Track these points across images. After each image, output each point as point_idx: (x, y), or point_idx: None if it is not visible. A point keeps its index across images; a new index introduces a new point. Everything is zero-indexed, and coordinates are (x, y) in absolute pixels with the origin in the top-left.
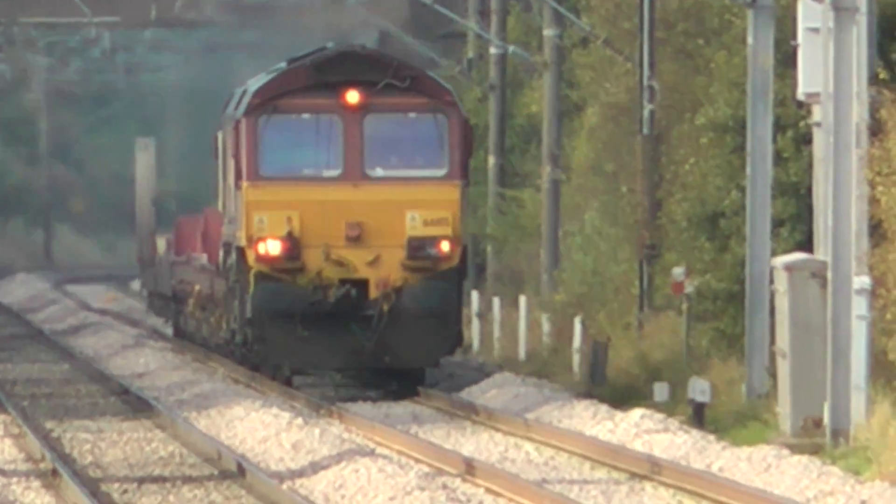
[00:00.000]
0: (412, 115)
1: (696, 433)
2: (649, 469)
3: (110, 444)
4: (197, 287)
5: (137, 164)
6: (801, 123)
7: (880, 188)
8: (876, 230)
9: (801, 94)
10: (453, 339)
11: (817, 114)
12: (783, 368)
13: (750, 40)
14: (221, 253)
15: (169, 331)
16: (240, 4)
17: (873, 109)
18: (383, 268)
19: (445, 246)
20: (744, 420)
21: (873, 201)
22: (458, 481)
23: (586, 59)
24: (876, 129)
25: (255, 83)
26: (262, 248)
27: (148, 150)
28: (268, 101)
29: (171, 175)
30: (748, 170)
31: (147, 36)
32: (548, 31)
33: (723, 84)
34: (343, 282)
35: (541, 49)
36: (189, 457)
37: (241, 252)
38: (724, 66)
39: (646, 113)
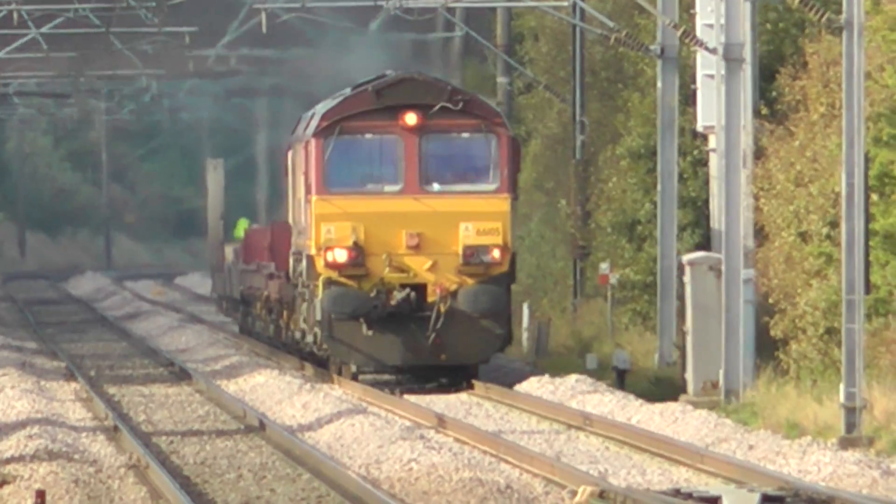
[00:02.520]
0: (465, 135)
1: (619, 394)
2: (583, 421)
3: (159, 405)
4: (265, 292)
5: (208, 183)
6: (696, 151)
7: (762, 200)
8: (759, 233)
9: (699, 126)
10: (504, 337)
11: (712, 142)
12: (687, 342)
13: (659, 84)
14: (291, 261)
15: (235, 328)
16: (259, 57)
17: (756, 138)
18: (440, 273)
19: (496, 253)
20: (657, 383)
21: (757, 210)
22: (432, 432)
23: (530, 100)
24: (759, 154)
25: (322, 107)
26: (330, 256)
27: (218, 170)
28: (334, 123)
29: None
30: (658, 187)
31: (186, 84)
32: (500, 79)
33: (637, 119)
34: (404, 286)
35: (494, 93)
36: (221, 415)
37: (310, 260)
38: (639, 105)
39: (578, 142)
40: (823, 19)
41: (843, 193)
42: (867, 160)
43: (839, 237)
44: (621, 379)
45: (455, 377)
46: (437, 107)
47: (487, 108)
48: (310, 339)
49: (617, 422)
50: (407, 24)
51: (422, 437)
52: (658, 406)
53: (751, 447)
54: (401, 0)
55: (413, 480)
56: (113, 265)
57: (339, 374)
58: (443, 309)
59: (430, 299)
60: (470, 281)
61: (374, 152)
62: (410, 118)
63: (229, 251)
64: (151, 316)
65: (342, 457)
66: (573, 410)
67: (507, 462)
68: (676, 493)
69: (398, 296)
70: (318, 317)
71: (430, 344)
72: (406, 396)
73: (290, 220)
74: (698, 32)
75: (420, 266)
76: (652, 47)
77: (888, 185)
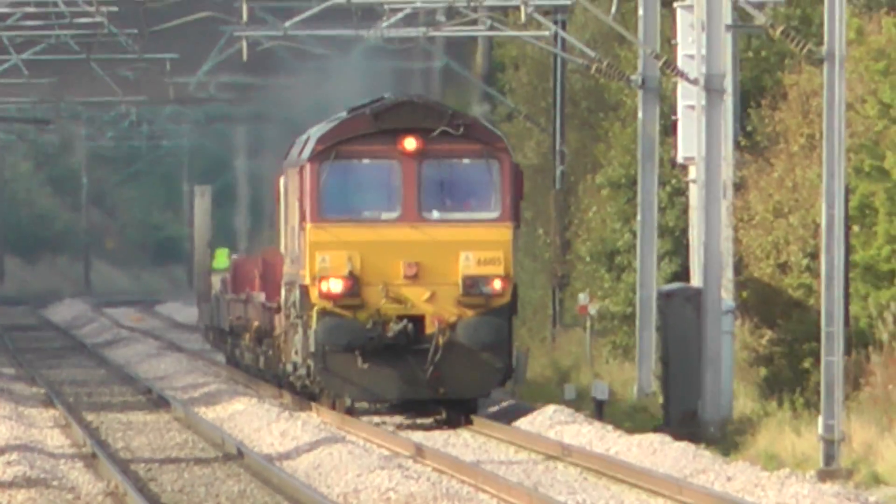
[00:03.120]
0: (466, 160)
1: (597, 424)
2: (561, 452)
3: (137, 432)
4: (255, 323)
5: (195, 209)
6: (674, 180)
7: (742, 231)
8: (739, 264)
9: (680, 157)
10: (504, 370)
11: (692, 173)
12: (666, 373)
13: (640, 115)
14: (283, 291)
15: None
16: (239, 84)
17: (737, 169)
18: (439, 304)
19: (497, 284)
20: (635, 414)
21: (736, 241)
22: (410, 462)
23: (510, 129)
24: (739, 185)
25: (317, 131)
26: (324, 286)
27: (205, 197)
28: (330, 147)
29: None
30: (638, 217)
31: (166, 111)
32: (476, 108)
33: (618, 149)
34: (401, 317)
35: None
36: (199, 442)
37: (304, 290)
38: (619, 135)
39: (557, 172)
40: (805, 50)
41: (824, 224)
42: (848, 191)
43: (819, 268)
44: (599, 409)
45: (453, 413)
46: (438, 131)
47: (489, 132)
48: (302, 371)
49: (595, 452)
50: (387, 52)
51: (400, 465)
52: (636, 437)
53: (729, 479)
54: (381, 30)
55: None
56: (92, 291)
57: (333, 408)
58: (441, 341)
59: (428, 331)
60: (470, 312)
61: (371, 178)
62: (409, 143)
63: (216, 280)
64: (130, 343)
65: (320, 485)
66: (551, 440)
67: (485, 492)
68: None
69: (395, 328)
70: (312, 349)
71: (428, 377)
72: (399, 432)
73: (283, 249)
74: (679, 63)
75: (418, 297)
76: (633, 77)
77: (868, 217)
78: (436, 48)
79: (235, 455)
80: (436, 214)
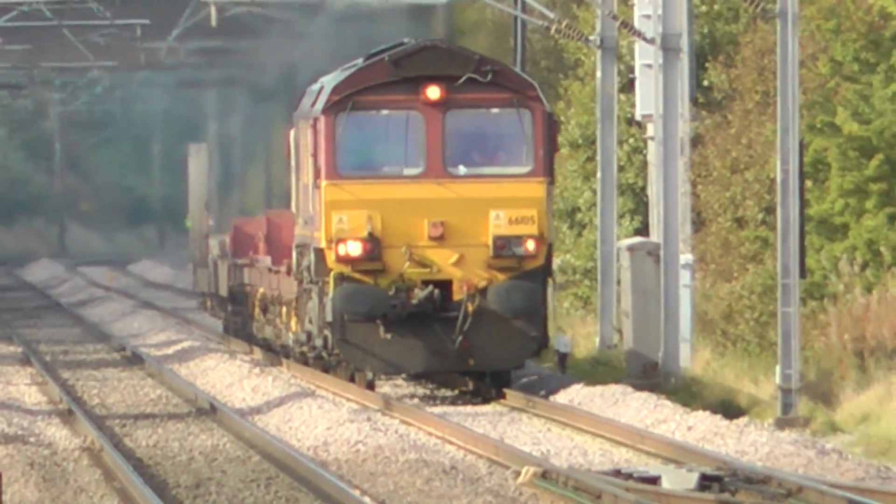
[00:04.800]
0: (495, 110)
1: (561, 376)
2: (525, 403)
3: (112, 389)
4: (260, 290)
5: (190, 169)
6: (632, 139)
7: (700, 187)
8: (697, 219)
9: (638, 115)
10: (539, 339)
11: (650, 130)
12: (627, 325)
13: (598, 74)
14: (295, 254)
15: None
16: (209, 49)
17: (694, 124)
18: (467, 268)
19: (531, 245)
20: (597, 365)
21: (694, 197)
22: (379, 415)
23: None
24: (696, 141)
25: (331, 80)
26: (342, 250)
27: (200, 155)
28: (346, 98)
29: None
30: (598, 174)
31: (138, 76)
32: None
33: (577, 108)
34: (426, 283)
35: None
36: (172, 398)
37: (319, 253)
38: (578, 94)
39: None
40: (758, 9)
41: (779, 180)
42: (802, 147)
43: (775, 222)
44: (563, 362)
45: (483, 384)
46: (463, 78)
47: (520, 79)
48: (319, 342)
49: (559, 403)
50: (353, 18)
51: (369, 419)
52: (599, 388)
53: (689, 428)
54: None
55: (360, 462)
56: (67, 252)
57: (352, 380)
58: (471, 308)
59: (456, 297)
60: (501, 276)
61: (391, 131)
62: (433, 92)
63: (214, 244)
64: (105, 302)
65: (291, 439)
66: (515, 393)
67: (451, 444)
68: (617, 473)
69: (420, 294)
70: (330, 318)
71: (456, 348)
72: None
73: (294, 209)
74: (636, 23)
75: (444, 260)
76: (591, 38)
77: (822, 172)
78: (399, 14)
79: (208, 410)
80: (462, 170)
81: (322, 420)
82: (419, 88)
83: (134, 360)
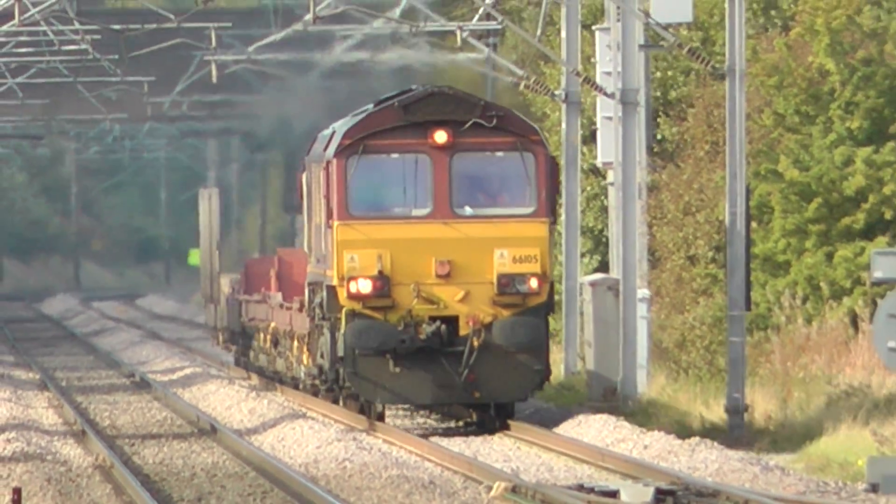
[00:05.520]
0: (499, 153)
1: (530, 400)
2: (497, 424)
3: (121, 411)
4: (272, 324)
5: (201, 212)
6: (590, 187)
7: (655, 228)
8: (653, 257)
9: (599, 162)
10: (542, 373)
11: (611, 176)
12: (589, 353)
13: (563, 126)
14: (307, 291)
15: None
16: (209, 103)
17: (650, 172)
18: (473, 304)
19: (534, 282)
20: (562, 390)
21: (650, 237)
22: (364, 435)
23: None
24: (652, 187)
25: (343, 125)
26: (353, 287)
27: (213, 200)
28: (358, 141)
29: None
30: (563, 217)
31: (145, 127)
32: None
33: None
34: (433, 318)
35: None
36: (177, 420)
37: (331, 290)
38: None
39: None
40: (709, 67)
41: (727, 221)
42: (748, 192)
43: (723, 260)
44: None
45: (487, 417)
46: (469, 123)
47: (524, 124)
48: (331, 375)
49: (527, 424)
50: (341, 74)
51: (355, 438)
52: (564, 410)
53: (646, 447)
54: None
55: (347, 477)
56: (81, 287)
57: (363, 413)
58: (476, 343)
59: (462, 333)
60: (505, 312)
61: (400, 173)
62: (440, 136)
63: (225, 282)
64: (115, 332)
65: (284, 456)
66: (518, 423)
67: (430, 461)
68: (580, 487)
69: (428, 329)
70: (341, 352)
71: (462, 381)
72: (431, 438)
73: (306, 248)
74: (598, 79)
75: (451, 297)
76: (557, 92)
77: (766, 214)
78: (383, 72)
79: (209, 430)
80: (468, 210)
81: (312, 439)
82: (427, 132)
83: (142, 385)
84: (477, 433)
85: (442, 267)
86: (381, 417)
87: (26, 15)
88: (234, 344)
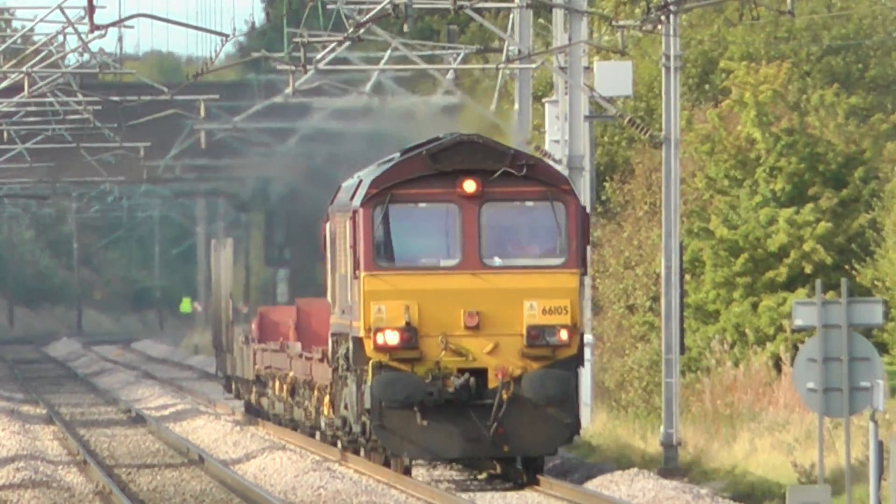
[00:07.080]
0: (529, 203)
1: None
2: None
3: (119, 443)
4: (290, 373)
5: (213, 262)
6: None
7: (598, 280)
8: (596, 306)
9: None
10: (573, 426)
11: None
12: None
13: None
14: (331, 342)
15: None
16: (198, 166)
17: (593, 230)
18: (502, 356)
19: (564, 334)
20: None
21: (594, 288)
22: (337, 465)
23: None
24: (595, 244)
25: (369, 174)
26: (380, 338)
27: (226, 250)
28: (385, 191)
29: (156, 273)
30: None
31: (141, 188)
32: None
33: None
34: (462, 371)
35: None
36: (168, 451)
37: (358, 342)
38: None
39: None
40: (647, 136)
41: (663, 274)
42: (681, 248)
43: (659, 309)
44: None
45: (514, 470)
46: (499, 172)
47: (554, 173)
48: (357, 428)
49: None
50: (318, 140)
51: (328, 468)
52: None
53: (589, 477)
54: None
55: (322, 503)
56: (83, 332)
57: (387, 464)
58: (505, 396)
59: (491, 385)
60: (535, 365)
61: (428, 223)
62: (469, 185)
63: (239, 330)
64: (113, 373)
65: (265, 485)
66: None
67: (395, 489)
68: None
69: (456, 382)
70: (368, 405)
71: (491, 434)
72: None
73: (329, 298)
74: (547, 146)
75: (480, 349)
76: None
77: (698, 268)
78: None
79: (198, 461)
80: (498, 261)
81: (290, 469)
82: (456, 182)
83: (137, 419)
84: (438, 465)
85: (471, 318)
86: (407, 471)
87: (35, 87)
88: (248, 392)
